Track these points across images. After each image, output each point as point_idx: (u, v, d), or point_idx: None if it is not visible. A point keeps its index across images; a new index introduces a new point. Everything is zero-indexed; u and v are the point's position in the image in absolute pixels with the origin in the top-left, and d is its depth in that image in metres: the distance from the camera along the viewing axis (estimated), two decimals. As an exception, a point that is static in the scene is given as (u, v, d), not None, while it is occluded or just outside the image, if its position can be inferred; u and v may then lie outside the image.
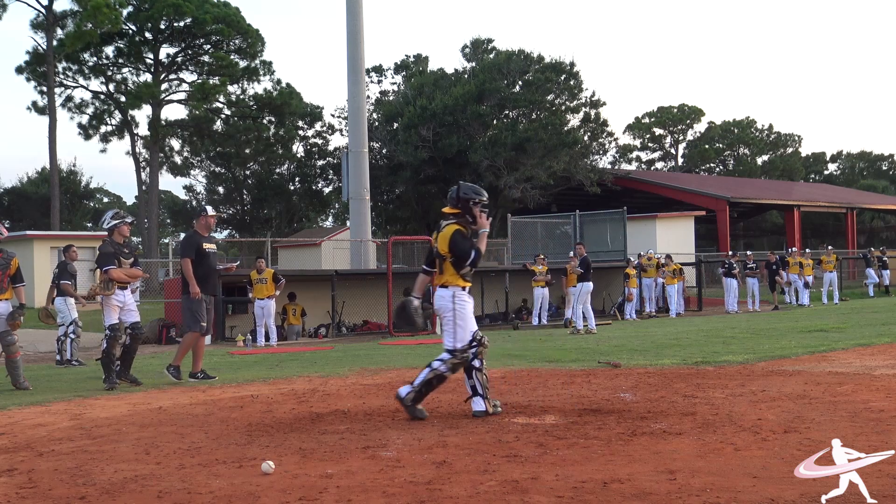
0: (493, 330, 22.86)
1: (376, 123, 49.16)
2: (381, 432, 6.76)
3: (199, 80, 50.34)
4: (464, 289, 7.49)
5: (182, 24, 47.90)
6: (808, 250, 31.78)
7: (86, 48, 46.88)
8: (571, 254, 24.95)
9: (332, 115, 60.95)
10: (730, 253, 31.41)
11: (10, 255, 10.95)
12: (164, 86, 50.25)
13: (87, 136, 51.70)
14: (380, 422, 7.28)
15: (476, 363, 7.41)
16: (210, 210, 11.80)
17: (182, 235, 56.11)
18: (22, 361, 11.06)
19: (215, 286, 11.85)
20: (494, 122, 47.00)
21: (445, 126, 44.78)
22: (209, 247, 11.51)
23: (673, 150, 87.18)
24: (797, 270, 28.66)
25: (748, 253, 30.39)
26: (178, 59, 50.71)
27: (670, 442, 6.06)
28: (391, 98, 54.39)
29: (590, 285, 19.79)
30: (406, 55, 60.48)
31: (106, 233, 11.03)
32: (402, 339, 19.94)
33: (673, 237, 38.50)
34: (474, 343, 7.42)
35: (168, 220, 72.79)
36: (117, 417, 8.04)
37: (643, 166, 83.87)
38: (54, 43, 45.85)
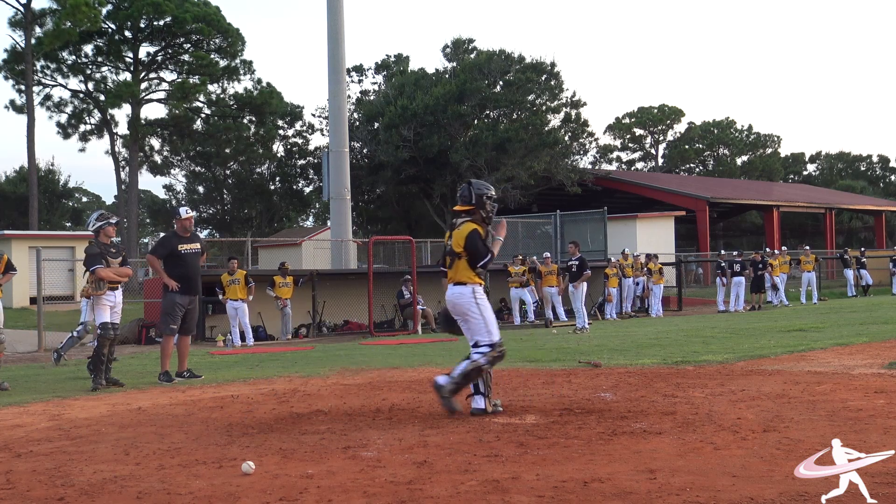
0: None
1: (357, 123, 49.12)
2: (361, 432, 6.75)
3: (179, 80, 50.14)
4: (480, 285, 7.56)
5: (162, 22, 47.68)
6: (784, 248, 32.07)
7: (64, 46, 46.59)
8: (546, 254, 25.05)
9: (313, 115, 60.88)
10: (722, 252, 31.50)
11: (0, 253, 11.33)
12: (144, 85, 50.00)
13: (66, 135, 51.42)
14: (360, 422, 7.27)
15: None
16: (184, 212, 11.70)
17: (162, 235, 55.94)
18: (2, 361, 11.04)
19: (197, 287, 11.74)
20: (475, 122, 47.07)
21: (426, 126, 44.78)
22: (189, 247, 11.43)
23: (653, 151, 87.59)
24: (782, 270, 28.89)
25: (734, 253, 30.49)
26: (158, 58, 50.48)
27: (650, 441, 6.07)
28: (372, 98, 54.40)
29: (585, 284, 20.38)
30: (387, 55, 60.63)
31: (92, 234, 10.97)
32: (382, 339, 19.93)
33: (653, 237, 38.66)
34: None
35: (147, 220, 72.45)
36: (96, 418, 8.00)
37: (623, 166, 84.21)
38: (32, 41, 45.53)
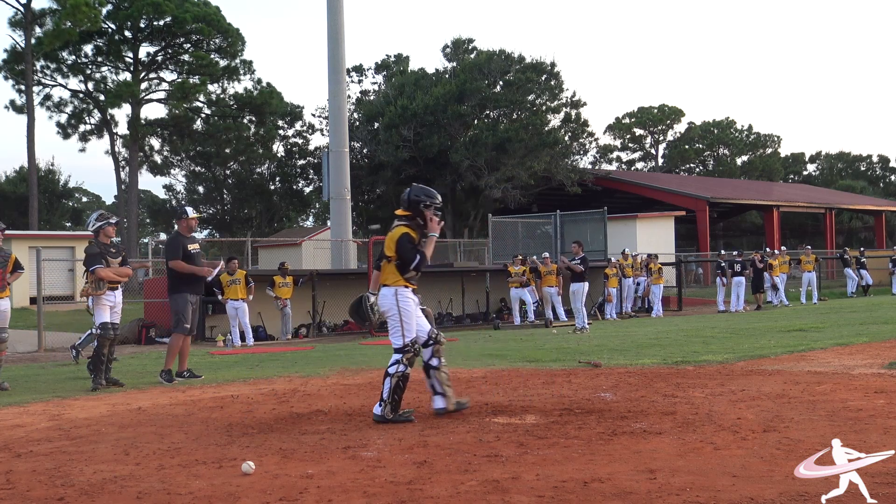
0: (473, 330, 22.88)
1: (357, 123, 49.10)
2: (361, 432, 6.75)
3: (179, 80, 50.11)
4: (406, 287, 7.50)
5: (162, 22, 47.65)
6: (784, 248, 32.07)
7: (64, 46, 46.57)
8: (546, 254, 25.06)
9: (313, 115, 60.86)
10: (722, 252, 31.48)
11: (7, 252, 11.47)
12: (144, 85, 49.97)
13: (66, 135, 51.38)
14: (360, 422, 7.26)
15: (434, 362, 7.48)
16: (191, 212, 11.79)
17: (162, 236, 56.08)
18: (3, 361, 11.05)
19: (201, 286, 11.84)
20: (475, 122, 47.07)
21: (426, 126, 44.78)
22: (193, 247, 11.50)
23: (653, 151, 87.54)
24: (782, 270, 28.89)
25: (734, 253, 30.50)
26: (158, 58, 50.45)
27: (650, 441, 6.07)
28: (372, 98, 54.38)
29: (586, 284, 20.44)
30: (387, 55, 60.57)
31: (92, 234, 10.97)
32: (382, 339, 19.91)
33: (653, 237, 38.64)
34: (430, 341, 7.50)
35: (147, 220, 72.42)
36: (96, 418, 7.99)
37: (623, 166, 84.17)
38: (32, 41, 45.52)
